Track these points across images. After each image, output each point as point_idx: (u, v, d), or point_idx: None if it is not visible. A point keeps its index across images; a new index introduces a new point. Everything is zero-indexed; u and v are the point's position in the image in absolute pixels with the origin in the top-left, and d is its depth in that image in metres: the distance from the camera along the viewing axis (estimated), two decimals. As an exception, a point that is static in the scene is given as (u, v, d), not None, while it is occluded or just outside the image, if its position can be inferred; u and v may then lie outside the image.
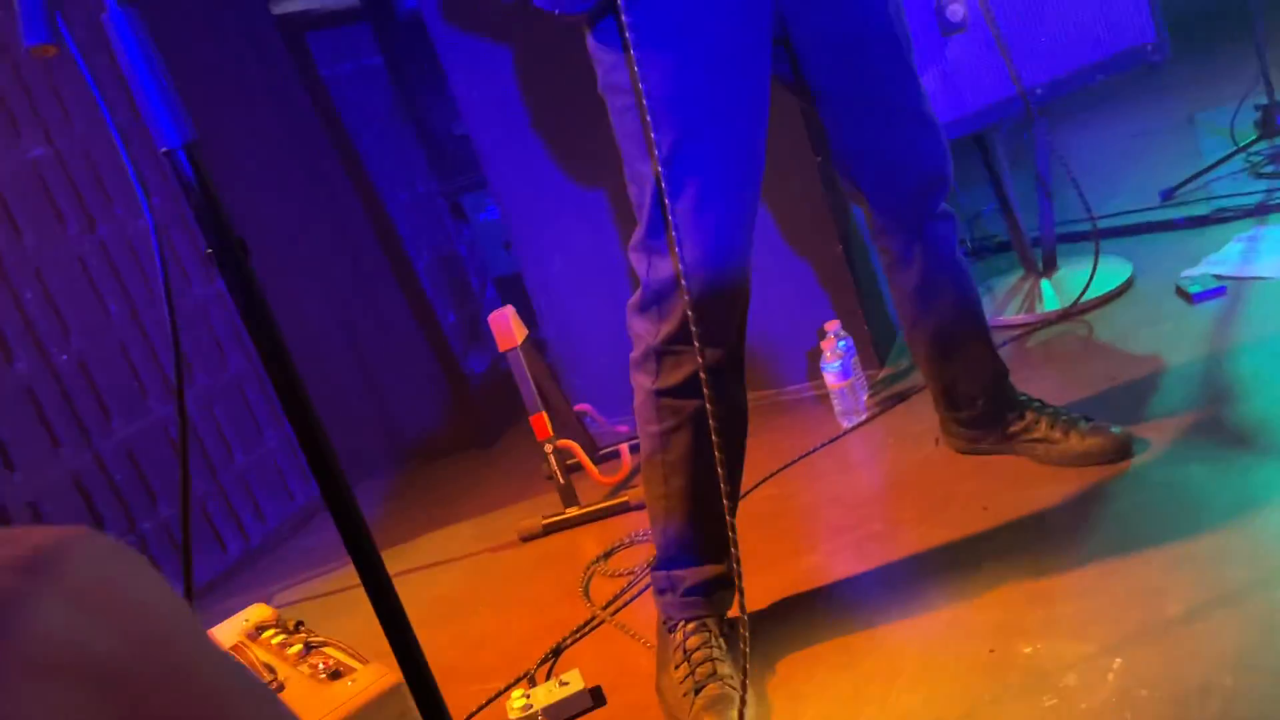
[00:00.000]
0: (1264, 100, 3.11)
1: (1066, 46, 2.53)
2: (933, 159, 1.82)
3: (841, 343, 2.53)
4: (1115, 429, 1.91)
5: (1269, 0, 3.20)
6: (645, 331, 1.63)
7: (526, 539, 2.56)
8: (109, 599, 0.48)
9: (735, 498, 1.65)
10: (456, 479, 3.20)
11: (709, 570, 1.71)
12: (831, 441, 2.47)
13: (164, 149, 0.83)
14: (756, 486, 2.35)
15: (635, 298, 1.64)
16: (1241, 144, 3.11)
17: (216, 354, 3.09)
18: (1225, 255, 2.58)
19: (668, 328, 1.60)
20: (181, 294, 3.02)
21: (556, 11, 1.51)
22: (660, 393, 1.64)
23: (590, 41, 1.58)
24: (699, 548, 1.71)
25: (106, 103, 0.86)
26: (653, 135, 1.49)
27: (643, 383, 1.66)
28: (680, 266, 1.51)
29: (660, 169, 1.49)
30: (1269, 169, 2.98)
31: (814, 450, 2.45)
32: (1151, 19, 2.58)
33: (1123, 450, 1.88)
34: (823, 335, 2.57)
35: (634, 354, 1.67)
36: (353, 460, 3.33)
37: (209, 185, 0.85)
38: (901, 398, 2.55)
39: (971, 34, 2.47)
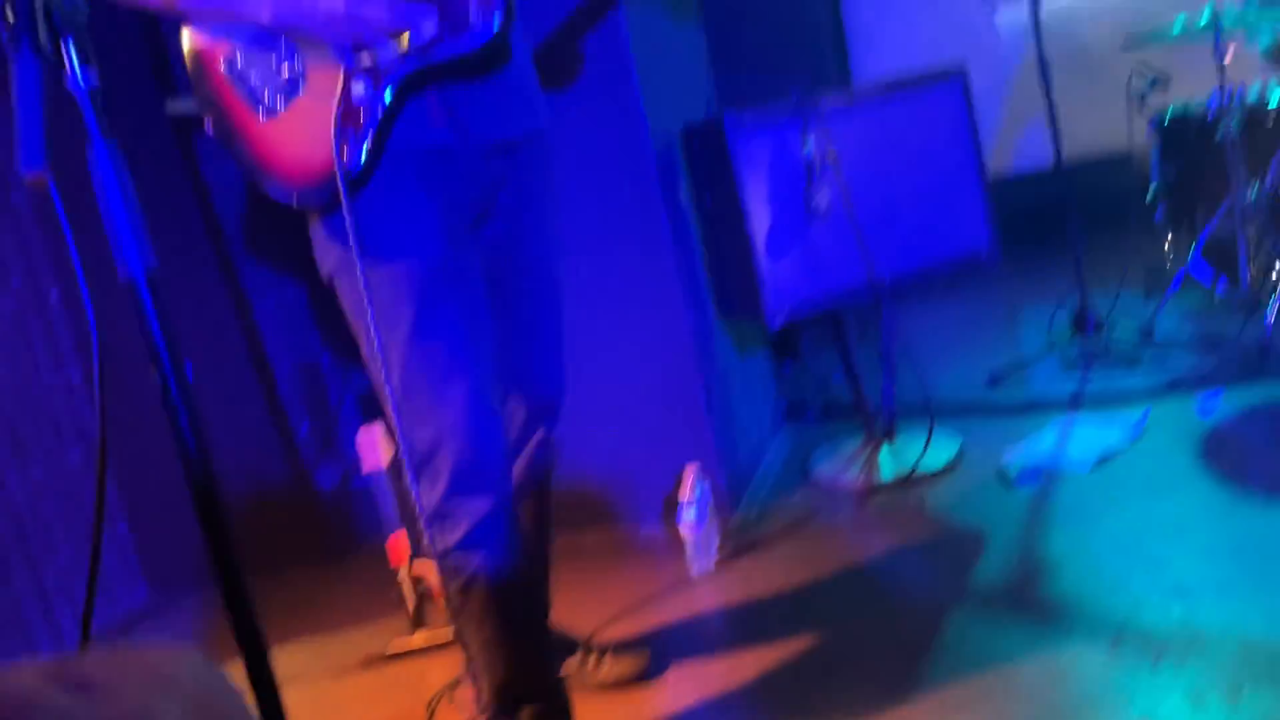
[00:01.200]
0: (1078, 303, 3.51)
1: (914, 244, 2.83)
2: (554, 386, 1.93)
3: (699, 488, 2.64)
4: (637, 651, 2.15)
5: (1087, 208, 3.64)
6: (422, 497, 1.67)
7: (370, 664, 2.52)
8: (211, 709, 0.55)
9: (543, 632, 1.69)
10: (299, 596, 3.11)
11: (535, 711, 1.75)
12: (676, 590, 2.56)
13: (127, 277, 0.87)
14: (599, 628, 2.41)
15: (408, 471, 1.68)
16: (1058, 340, 3.50)
17: (57, 447, 2.97)
18: (1041, 442, 2.87)
19: (438, 489, 1.66)
20: (30, 382, 2.90)
21: (293, 205, 1.56)
22: (445, 553, 1.69)
23: (320, 231, 1.62)
24: (522, 692, 1.74)
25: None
26: (394, 310, 1.56)
27: (433, 547, 1.70)
28: (428, 434, 1.61)
29: (404, 343, 1.57)
30: (1081, 365, 3.36)
31: (656, 598, 2.53)
32: (987, 228, 2.93)
33: (644, 672, 2.12)
34: (680, 480, 2.69)
35: (420, 524, 1.71)
36: (185, 569, 3.20)
37: (166, 316, 0.90)
38: (752, 546, 2.68)
39: (832, 222, 2.74)
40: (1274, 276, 3.19)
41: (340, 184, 1.47)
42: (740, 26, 3.99)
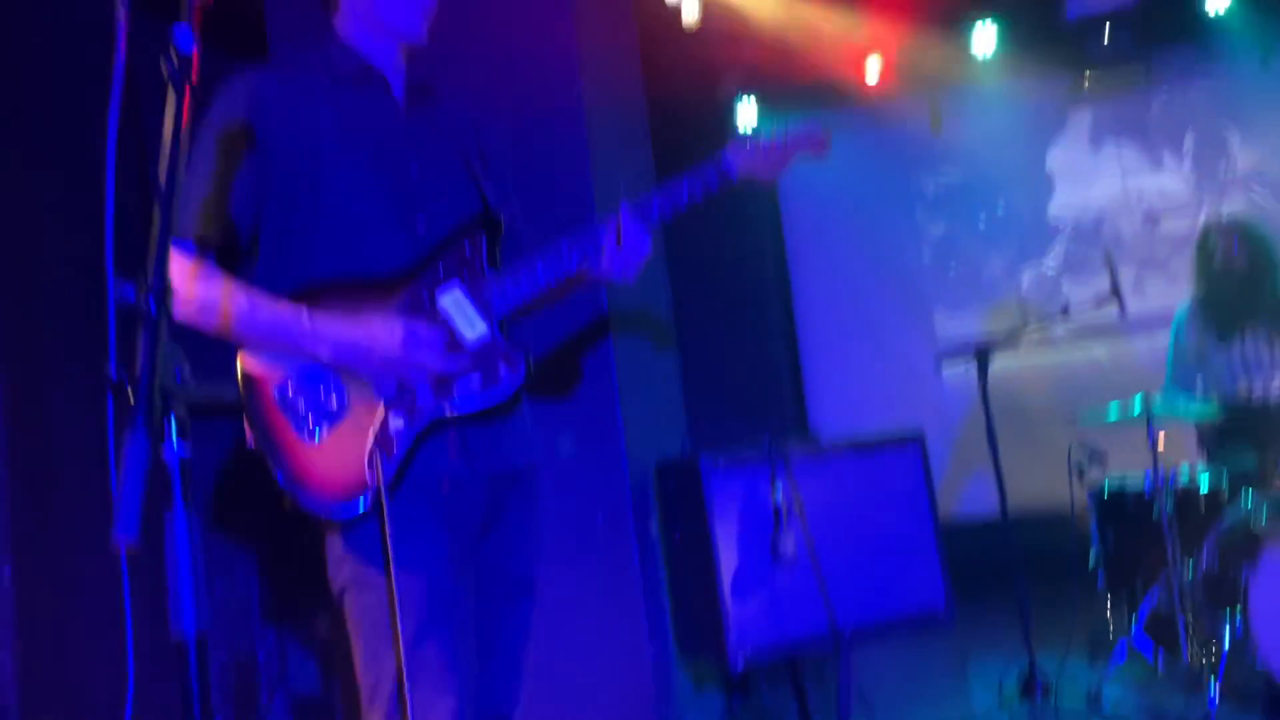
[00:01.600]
0: (1026, 665, 3.56)
1: (873, 596, 2.93)
2: (509, 702, 1.94)
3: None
4: None
5: (1032, 562, 3.77)
6: None
7: None
8: None
9: None
10: None
11: None
12: None
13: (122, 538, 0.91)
14: None
15: None
16: (1008, 702, 3.52)
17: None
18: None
19: None
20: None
21: (324, 517, 1.66)
22: None
23: (337, 546, 1.71)
24: None
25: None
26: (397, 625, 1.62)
27: None
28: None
29: (403, 654, 1.61)
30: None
31: None
32: (943, 585, 3.04)
33: None
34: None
35: None
36: None
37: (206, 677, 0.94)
38: None
39: (797, 569, 2.84)
40: (1214, 655, 3.29)
41: (384, 497, 1.61)
42: (708, 369, 4.31)
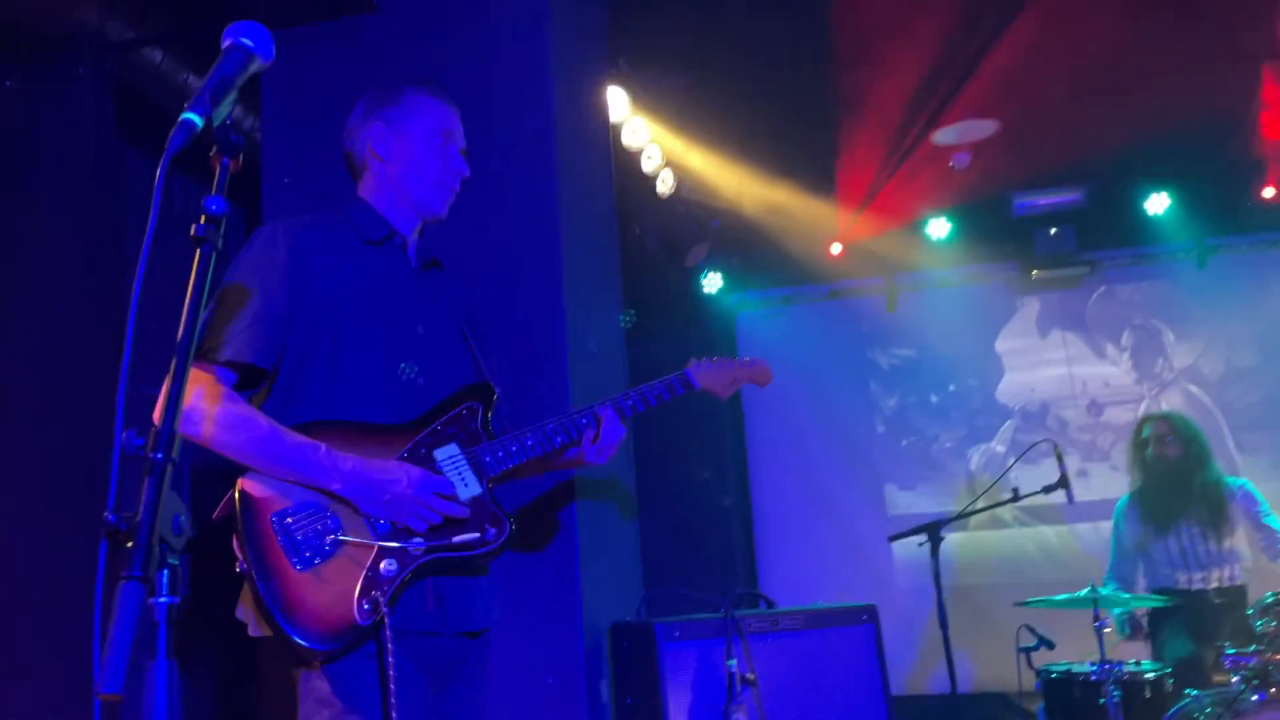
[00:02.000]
0: None
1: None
2: None
3: None
4: None
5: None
6: None
7: None
8: None
9: None
10: None
11: None
12: None
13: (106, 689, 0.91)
14: None
15: None
16: None
17: None
18: None
19: None
20: None
21: (305, 647, 1.67)
22: None
23: (316, 688, 1.71)
24: None
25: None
26: None
27: None
28: None
29: None
30: None
31: None
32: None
33: None
34: None
35: None
36: None
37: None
38: None
39: (750, 743, 2.80)
40: None
41: (386, 637, 1.67)
42: (666, 538, 4.34)
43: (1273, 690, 3.20)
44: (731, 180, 5.06)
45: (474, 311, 2.09)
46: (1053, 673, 3.85)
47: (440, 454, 1.84)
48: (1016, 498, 3.72)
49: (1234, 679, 3.37)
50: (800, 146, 4.85)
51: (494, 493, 1.87)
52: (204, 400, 1.69)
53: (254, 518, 1.71)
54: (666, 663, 2.79)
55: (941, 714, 4.34)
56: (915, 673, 5.54)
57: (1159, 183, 5.55)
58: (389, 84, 2.02)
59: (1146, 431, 4.37)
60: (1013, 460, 3.82)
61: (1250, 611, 3.58)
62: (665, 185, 4.70)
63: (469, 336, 2.02)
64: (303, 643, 1.65)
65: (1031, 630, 3.91)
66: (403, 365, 1.88)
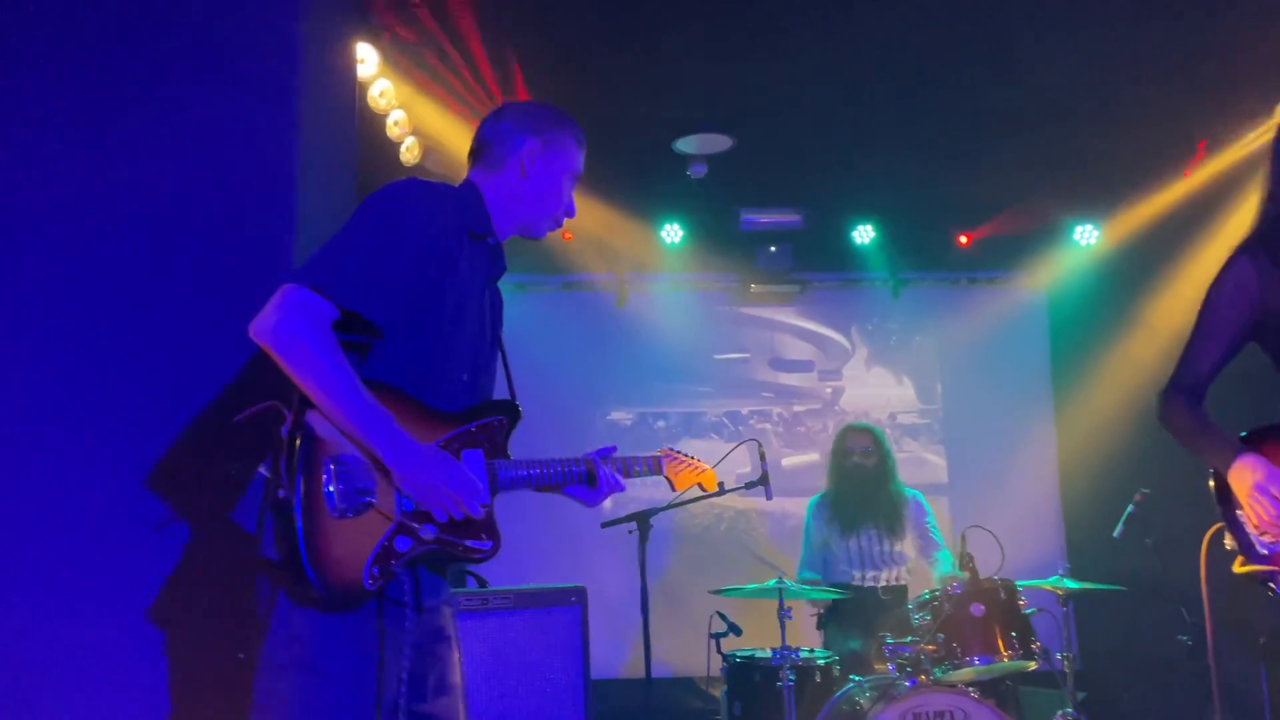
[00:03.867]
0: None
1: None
2: None
3: None
4: None
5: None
6: None
7: None
8: None
9: None
10: None
11: None
12: None
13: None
14: None
15: None
16: None
17: None
18: None
19: None
20: None
21: (311, 588, 1.72)
22: None
23: (302, 623, 1.77)
24: None
25: None
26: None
27: None
28: None
29: None
30: None
31: None
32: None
33: None
34: None
35: None
36: None
37: None
38: None
39: None
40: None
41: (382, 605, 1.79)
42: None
43: (923, 677, 3.59)
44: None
45: (501, 330, 2.19)
46: (737, 658, 4.12)
47: (467, 455, 1.92)
48: (721, 492, 3.93)
49: (891, 667, 3.76)
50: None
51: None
52: (304, 320, 1.75)
53: (313, 453, 1.75)
54: (369, 639, 2.72)
55: (634, 697, 4.52)
56: (617, 657, 5.73)
57: (867, 215, 6.07)
58: (558, 111, 2.15)
59: (849, 441, 4.77)
60: (720, 457, 4.03)
61: (909, 607, 4.01)
62: (411, 153, 4.57)
63: (504, 354, 2.17)
64: (313, 580, 1.69)
65: (723, 617, 4.16)
66: (457, 358, 1.97)
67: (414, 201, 1.92)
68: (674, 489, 2.42)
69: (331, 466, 1.77)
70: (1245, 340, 2.16)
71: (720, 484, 3.93)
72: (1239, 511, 2.05)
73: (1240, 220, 2.22)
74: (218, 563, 2.33)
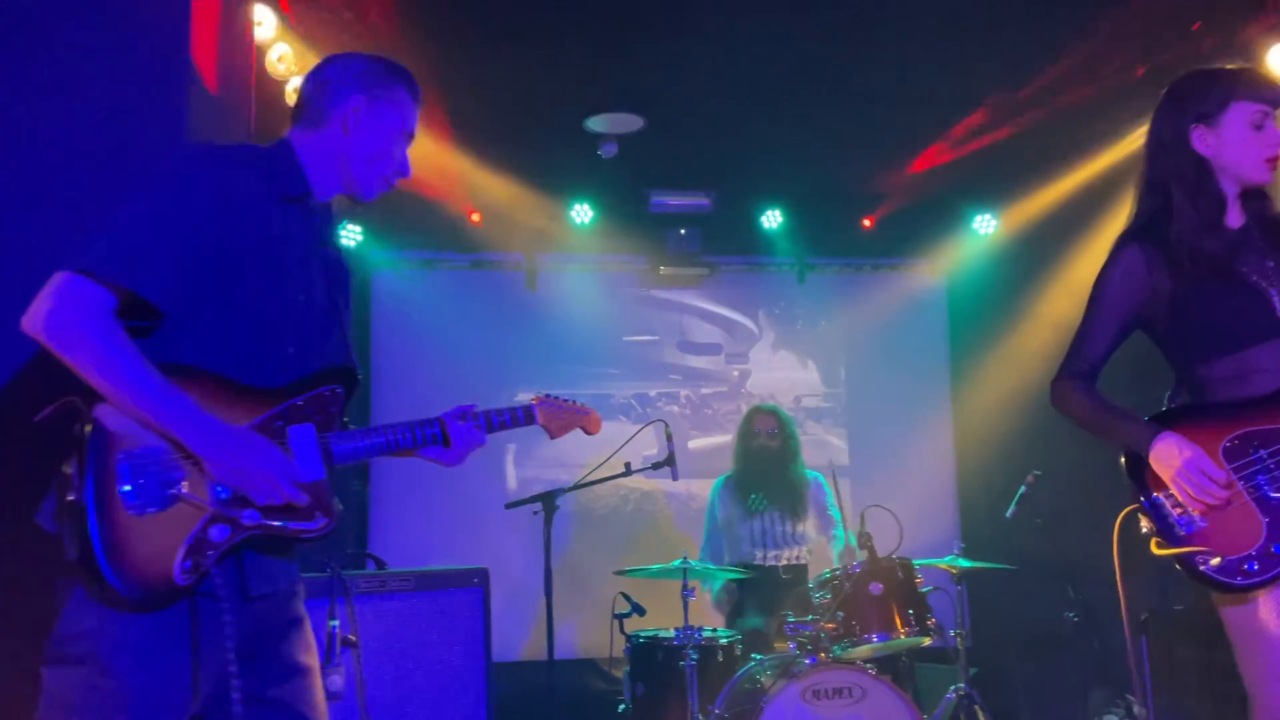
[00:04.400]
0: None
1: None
2: None
3: None
4: None
5: (573, 702, 3.91)
6: None
7: None
8: None
9: None
10: None
11: None
12: None
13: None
14: None
15: None
16: None
17: None
18: None
19: None
20: None
21: (119, 593, 1.63)
22: None
23: (90, 616, 1.66)
24: None
25: None
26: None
27: None
28: None
29: None
30: None
31: None
32: (486, 727, 3.06)
33: None
34: None
35: None
36: None
37: None
38: None
39: (343, 707, 2.72)
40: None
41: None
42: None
43: (823, 655, 3.65)
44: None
45: (349, 296, 2.07)
46: (640, 638, 4.13)
47: (294, 431, 1.81)
48: (628, 472, 3.93)
49: (791, 645, 3.82)
50: (459, 108, 4.78)
51: (330, 480, 1.87)
52: (75, 307, 1.64)
53: (104, 450, 1.65)
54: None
55: (536, 679, 4.49)
56: (521, 639, 5.70)
57: (775, 200, 6.13)
58: (388, 64, 2.02)
59: (755, 422, 4.82)
60: (628, 438, 4.03)
61: (810, 586, 4.07)
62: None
63: (344, 318, 2.01)
64: (115, 584, 1.61)
65: (627, 598, 4.17)
66: (280, 330, 1.85)
67: (199, 169, 1.79)
68: (552, 437, 2.35)
69: (126, 462, 1.66)
70: (1134, 326, 2.22)
71: (627, 465, 3.98)
72: (1157, 493, 2.06)
73: (1129, 212, 2.29)
74: (19, 568, 2.19)
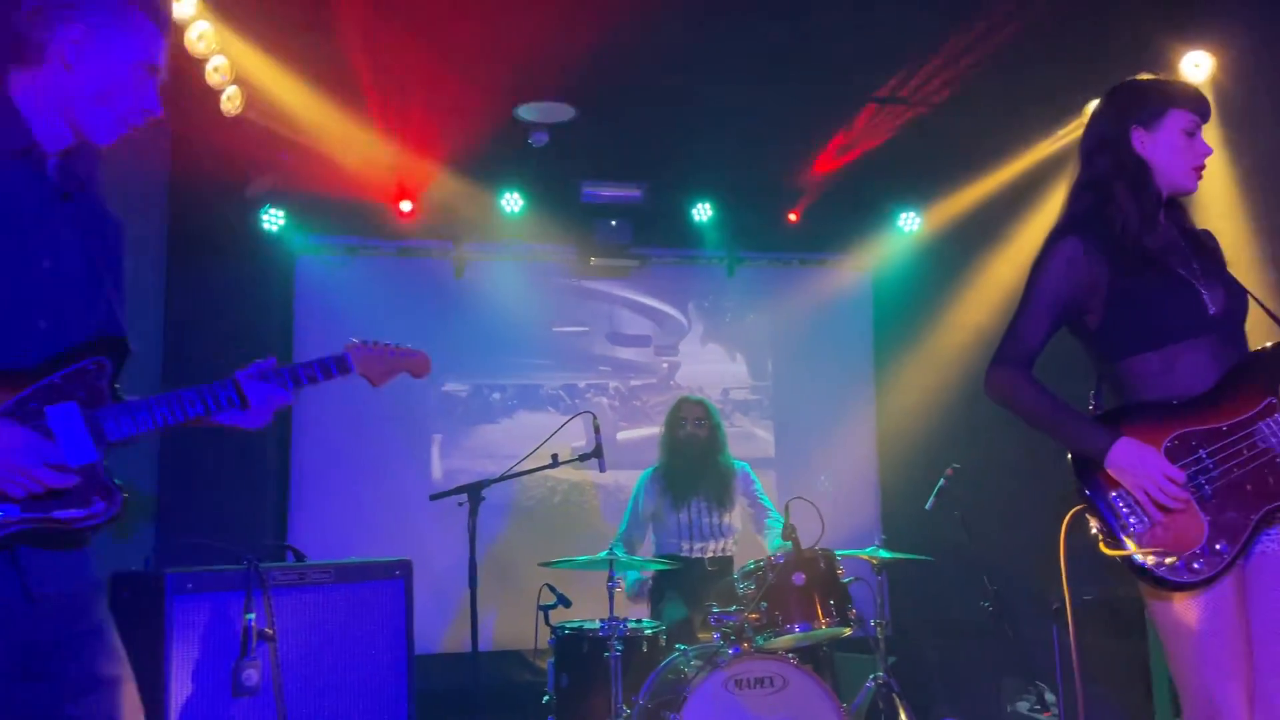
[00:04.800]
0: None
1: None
2: None
3: None
4: None
5: (496, 694, 3.88)
6: None
7: None
8: None
9: None
10: None
11: None
12: None
13: None
14: None
15: None
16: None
17: None
18: None
19: None
20: None
21: None
22: None
23: None
24: None
25: None
26: None
27: None
28: None
29: None
30: None
31: None
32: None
33: None
34: None
35: None
36: None
37: None
38: None
39: (259, 701, 2.66)
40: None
41: None
42: (193, 488, 4.01)
43: (746, 645, 3.69)
44: (310, 111, 4.76)
45: (120, 252, 1.84)
46: (565, 629, 4.12)
47: (54, 412, 1.64)
48: (555, 464, 3.92)
49: (715, 636, 3.85)
50: (386, 92, 4.70)
51: (109, 460, 1.72)
52: None
53: None
54: (175, 616, 2.58)
55: (459, 672, 4.45)
56: (444, 631, 5.65)
57: (706, 193, 6.15)
58: None
59: (683, 413, 4.84)
60: (555, 429, 4.01)
61: (735, 577, 4.10)
62: (232, 103, 4.30)
63: (110, 280, 1.78)
64: None
65: (552, 589, 4.15)
66: (22, 303, 1.65)
67: None
68: (374, 384, 2.18)
69: None
70: (1067, 317, 2.23)
71: (554, 456, 3.97)
72: (1109, 493, 2.08)
73: (1052, 209, 2.33)
74: None
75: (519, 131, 5.26)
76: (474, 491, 3.77)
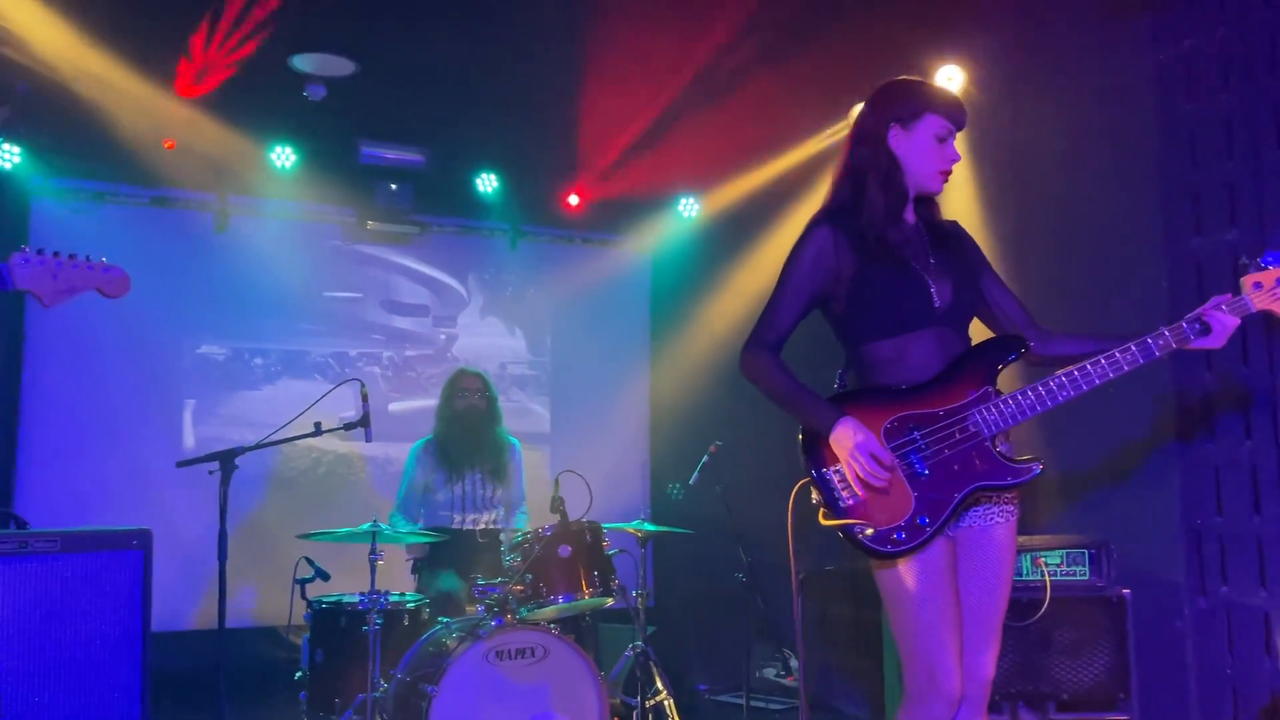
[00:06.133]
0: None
1: (58, 710, 2.60)
2: None
3: None
4: None
5: (243, 673, 3.68)
6: None
7: None
8: None
9: None
10: None
11: None
12: None
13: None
14: None
15: None
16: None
17: None
18: None
19: None
20: None
21: None
22: None
23: None
24: None
25: None
26: None
27: None
28: None
29: None
30: None
31: None
32: (139, 701, 2.83)
33: None
34: None
35: None
36: None
37: None
38: None
39: None
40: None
41: None
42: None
43: (509, 616, 3.69)
44: (57, 40, 4.31)
45: None
46: (323, 603, 3.98)
47: None
48: (318, 432, 3.77)
49: (479, 608, 3.83)
50: (144, 21, 4.33)
51: None
52: None
53: None
54: None
55: (204, 649, 4.21)
56: (191, 607, 5.33)
57: (491, 164, 6.07)
58: None
59: (462, 384, 4.78)
60: (319, 397, 3.85)
61: (502, 549, 4.10)
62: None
63: None
64: None
65: (311, 562, 4.00)
66: None
67: None
68: (46, 304, 1.98)
69: None
70: (816, 303, 2.37)
71: (317, 424, 3.80)
72: (826, 468, 2.24)
73: (818, 202, 2.45)
74: None
75: (294, 82, 4.99)
76: (226, 459, 3.56)
